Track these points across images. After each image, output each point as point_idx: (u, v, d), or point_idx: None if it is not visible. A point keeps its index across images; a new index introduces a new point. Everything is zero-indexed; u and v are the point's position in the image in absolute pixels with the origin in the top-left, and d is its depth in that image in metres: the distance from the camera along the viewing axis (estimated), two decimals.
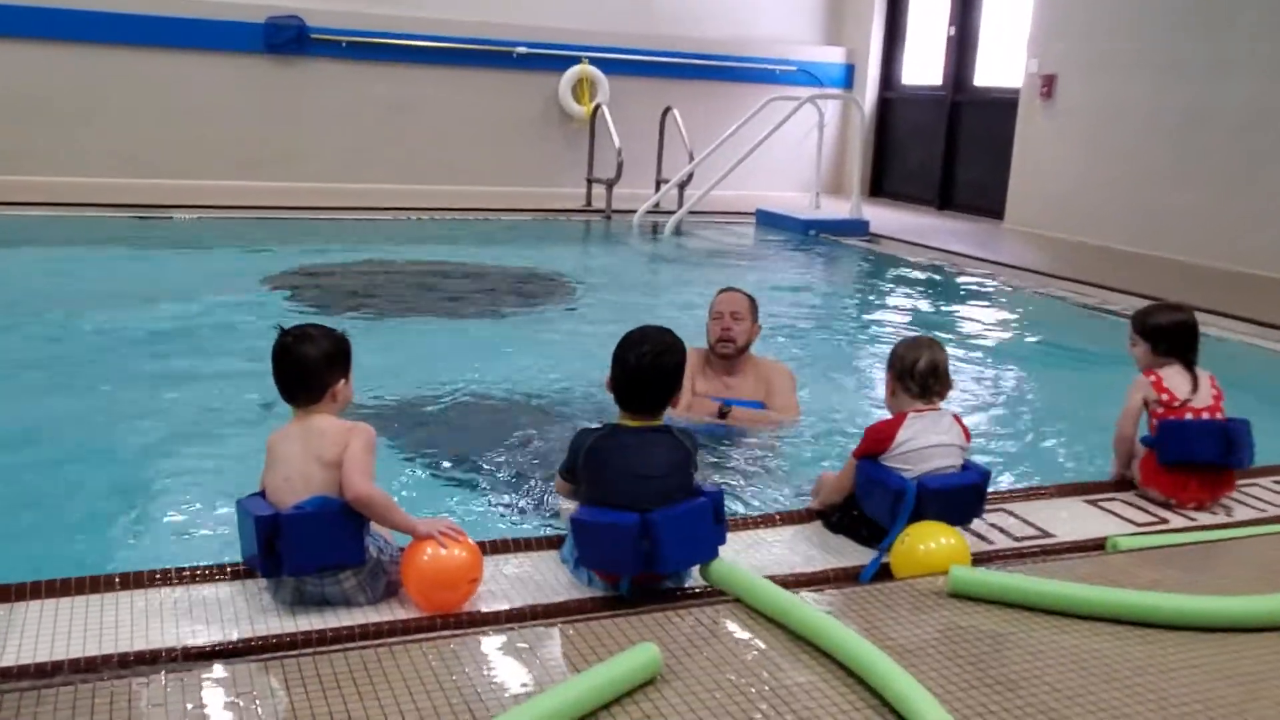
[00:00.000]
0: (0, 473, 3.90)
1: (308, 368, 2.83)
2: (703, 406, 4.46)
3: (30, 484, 3.83)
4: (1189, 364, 3.83)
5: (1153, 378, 3.80)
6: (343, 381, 2.89)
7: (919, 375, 3.38)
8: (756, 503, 3.86)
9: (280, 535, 2.67)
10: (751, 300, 4.61)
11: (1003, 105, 11.93)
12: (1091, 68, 10.68)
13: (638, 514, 2.81)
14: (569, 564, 3.04)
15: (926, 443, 3.29)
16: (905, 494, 3.19)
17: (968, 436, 3.40)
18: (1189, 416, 3.74)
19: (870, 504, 3.32)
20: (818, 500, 3.55)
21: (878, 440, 3.32)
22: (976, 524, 3.50)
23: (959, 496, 3.27)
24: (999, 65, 12.36)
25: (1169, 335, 3.84)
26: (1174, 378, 3.80)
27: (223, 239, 9.03)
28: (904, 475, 3.24)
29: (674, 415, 3.89)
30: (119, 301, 6.53)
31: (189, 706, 2.21)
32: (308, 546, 2.68)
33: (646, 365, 2.99)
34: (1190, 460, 3.71)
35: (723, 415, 4.42)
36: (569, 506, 3.12)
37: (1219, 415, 3.76)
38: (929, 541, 3.08)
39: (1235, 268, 9.18)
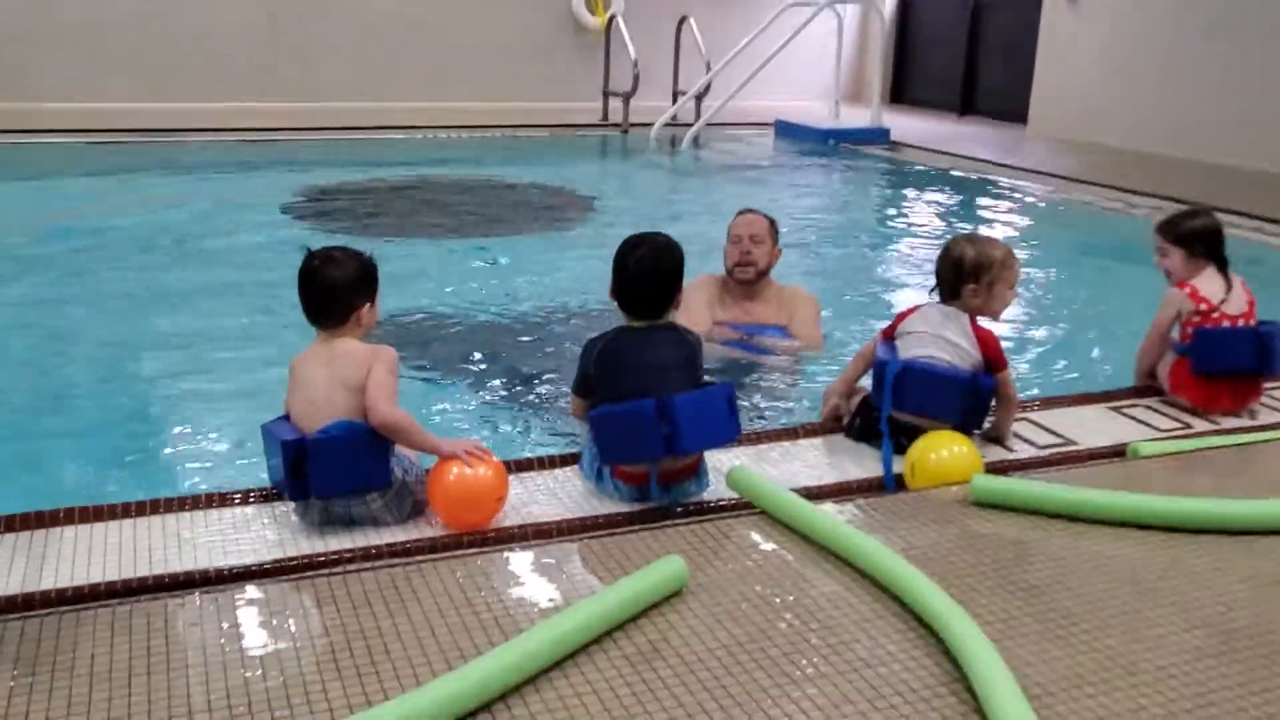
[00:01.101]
0: (31, 401, 3.95)
1: (333, 290, 2.82)
2: (722, 335, 4.31)
3: (59, 411, 3.88)
4: (1222, 266, 3.77)
5: (1187, 289, 3.73)
6: (368, 305, 2.88)
7: (936, 273, 3.45)
8: (781, 420, 3.86)
9: (306, 459, 2.70)
10: (771, 222, 4.40)
11: (1026, 6, 11.64)
12: None
13: (654, 399, 2.87)
14: (591, 477, 3.07)
15: (913, 329, 3.37)
16: (885, 368, 3.29)
17: (989, 348, 3.33)
18: (1225, 324, 3.69)
19: (873, 386, 3.40)
20: (827, 405, 3.54)
21: (892, 324, 3.47)
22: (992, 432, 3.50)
23: (940, 387, 3.24)
24: None
25: (1204, 238, 3.77)
26: (1209, 283, 3.73)
27: (238, 162, 8.99)
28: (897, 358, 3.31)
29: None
30: (140, 228, 6.54)
31: (224, 626, 2.26)
32: (334, 470, 2.71)
33: (646, 269, 3.02)
34: (1225, 369, 3.67)
35: (746, 341, 4.28)
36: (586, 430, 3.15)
37: (1252, 321, 3.71)
38: (940, 450, 3.08)
39: (1263, 167, 9.01)
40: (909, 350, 3.33)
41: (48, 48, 10.55)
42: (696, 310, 4.24)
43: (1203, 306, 3.70)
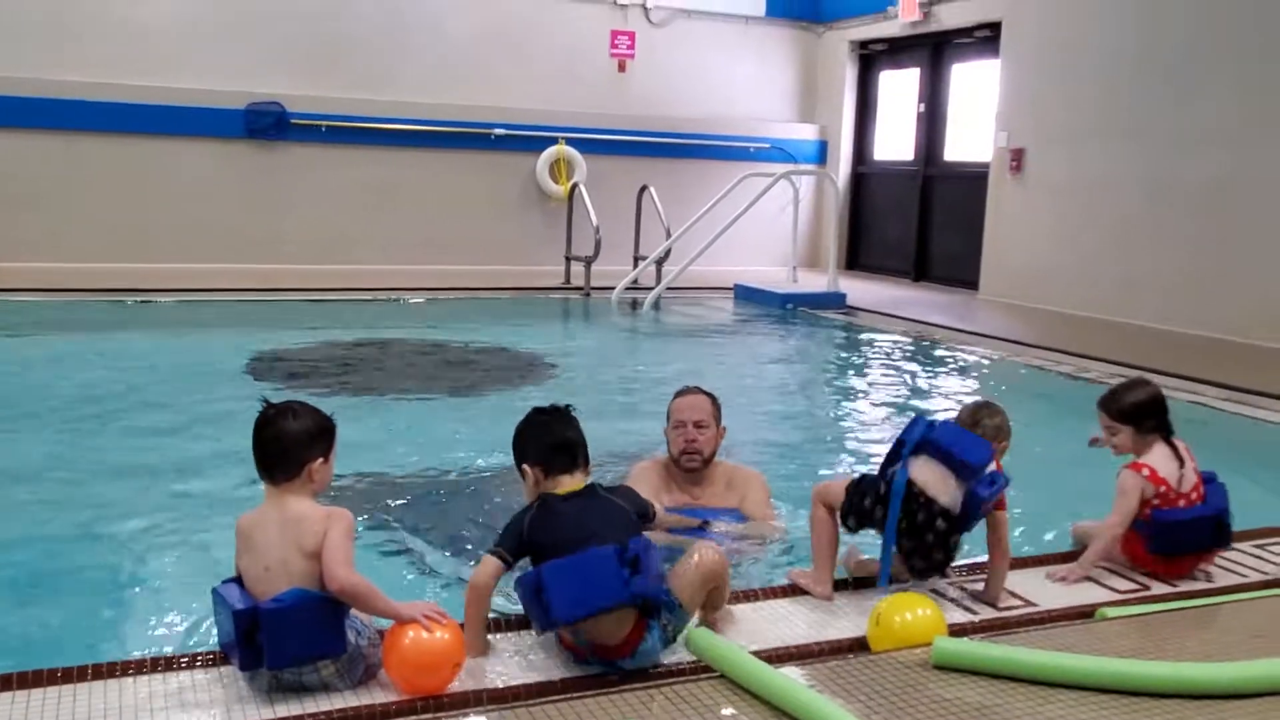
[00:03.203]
0: None
1: (285, 442, 2.77)
2: (680, 522, 4.00)
3: (4, 572, 3.77)
4: (1169, 437, 3.76)
5: (1146, 471, 3.68)
6: (320, 461, 2.82)
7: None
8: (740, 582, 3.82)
9: (260, 629, 2.62)
10: (714, 401, 4.21)
11: (974, 178, 12.15)
12: (1059, 140, 10.90)
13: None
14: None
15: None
16: (916, 423, 3.41)
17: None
18: (1181, 504, 3.67)
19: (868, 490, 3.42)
20: (821, 504, 3.47)
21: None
22: (960, 595, 3.49)
23: (957, 465, 3.33)
24: (969, 139, 12.61)
25: (1150, 410, 3.75)
26: (1164, 463, 3.69)
27: (205, 322, 9.04)
28: None
29: (649, 535, 3.87)
30: (99, 385, 6.51)
31: None
32: (288, 640, 2.63)
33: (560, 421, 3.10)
34: (1185, 553, 3.69)
35: (703, 527, 4.01)
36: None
37: (1202, 486, 3.72)
38: (904, 613, 3.07)
39: (1205, 333, 9.30)
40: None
41: (18, 207, 10.69)
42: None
43: (1163, 489, 3.66)
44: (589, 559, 2.82)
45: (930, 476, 3.33)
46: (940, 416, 3.54)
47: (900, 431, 3.50)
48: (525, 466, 3.08)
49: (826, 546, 3.44)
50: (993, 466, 3.40)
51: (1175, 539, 3.67)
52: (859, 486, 3.40)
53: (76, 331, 8.21)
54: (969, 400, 3.74)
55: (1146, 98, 9.99)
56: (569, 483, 3.04)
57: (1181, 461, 3.72)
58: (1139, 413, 3.75)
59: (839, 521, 3.42)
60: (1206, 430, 4.51)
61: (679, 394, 4.26)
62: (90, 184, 10.99)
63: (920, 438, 3.40)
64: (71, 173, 10.94)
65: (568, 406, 3.20)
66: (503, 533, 2.98)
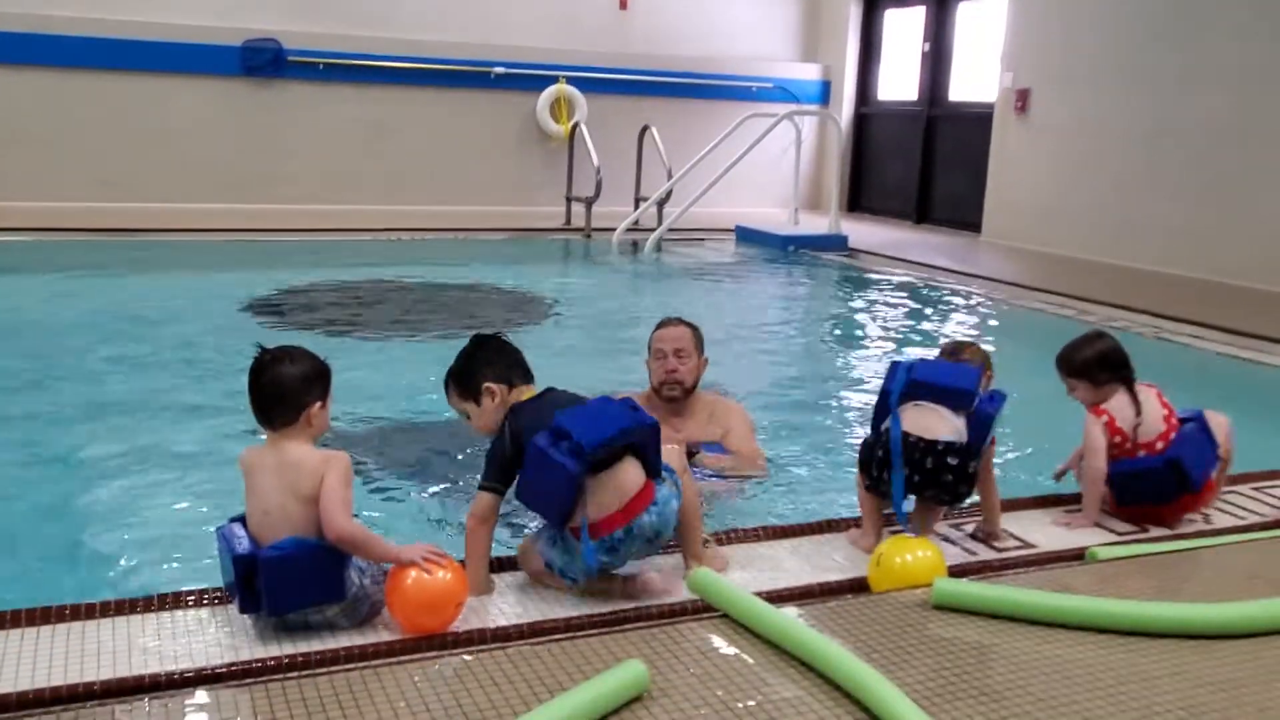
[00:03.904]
0: None
1: (283, 387, 2.76)
2: (668, 453, 4.13)
3: (7, 510, 3.80)
4: (1130, 386, 3.71)
5: (1104, 417, 3.65)
6: (319, 405, 2.81)
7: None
8: (731, 519, 3.84)
9: (258, 575, 2.64)
10: (696, 331, 4.20)
11: (978, 119, 12.03)
12: (1065, 81, 10.79)
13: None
14: (555, 558, 2.96)
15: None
16: (895, 370, 3.41)
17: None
18: (1142, 454, 3.62)
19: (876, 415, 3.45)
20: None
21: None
22: (958, 536, 3.52)
23: (949, 394, 3.33)
24: (974, 80, 12.48)
25: (1103, 363, 3.71)
26: (1121, 410, 3.66)
27: (202, 262, 9.01)
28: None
29: None
30: (96, 326, 6.50)
31: None
32: (287, 587, 2.64)
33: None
34: (1145, 503, 3.65)
35: (691, 456, 3.92)
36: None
37: (1172, 434, 3.64)
38: (905, 554, 3.09)
39: (1209, 277, 9.27)
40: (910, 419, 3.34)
41: (10, 145, 10.60)
42: None
43: (1117, 439, 3.63)
44: (593, 404, 3.00)
45: (925, 421, 3.31)
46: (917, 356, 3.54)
47: (884, 382, 3.47)
48: (487, 386, 3.07)
49: (868, 503, 3.43)
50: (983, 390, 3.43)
51: (1130, 490, 3.63)
52: (866, 442, 3.42)
53: (70, 271, 8.18)
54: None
55: (1154, 38, 9.87)
56: (529, 391, 3.12)
57: (1139, 410, 3.65)
58: (1090, 367, 3.71)
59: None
60: (1206, 374, 4.53)
61: (659, 325, 4.26)
62: (83, 122, 10.87)
63: (904, 384, 3.37)
64: (63, 110, 10.81)
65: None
66: (487, 465, 3.01)
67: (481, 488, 2.98)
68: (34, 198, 10.52)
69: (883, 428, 3.36)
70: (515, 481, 2.98)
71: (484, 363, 3.14)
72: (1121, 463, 3.64)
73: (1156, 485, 3.61)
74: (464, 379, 3.13)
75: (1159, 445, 3.63)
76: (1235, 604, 2.86)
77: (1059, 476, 3.94)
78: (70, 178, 10.83)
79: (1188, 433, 3.68)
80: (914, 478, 3.28)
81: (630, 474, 2.93)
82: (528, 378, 3.15)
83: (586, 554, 2.87)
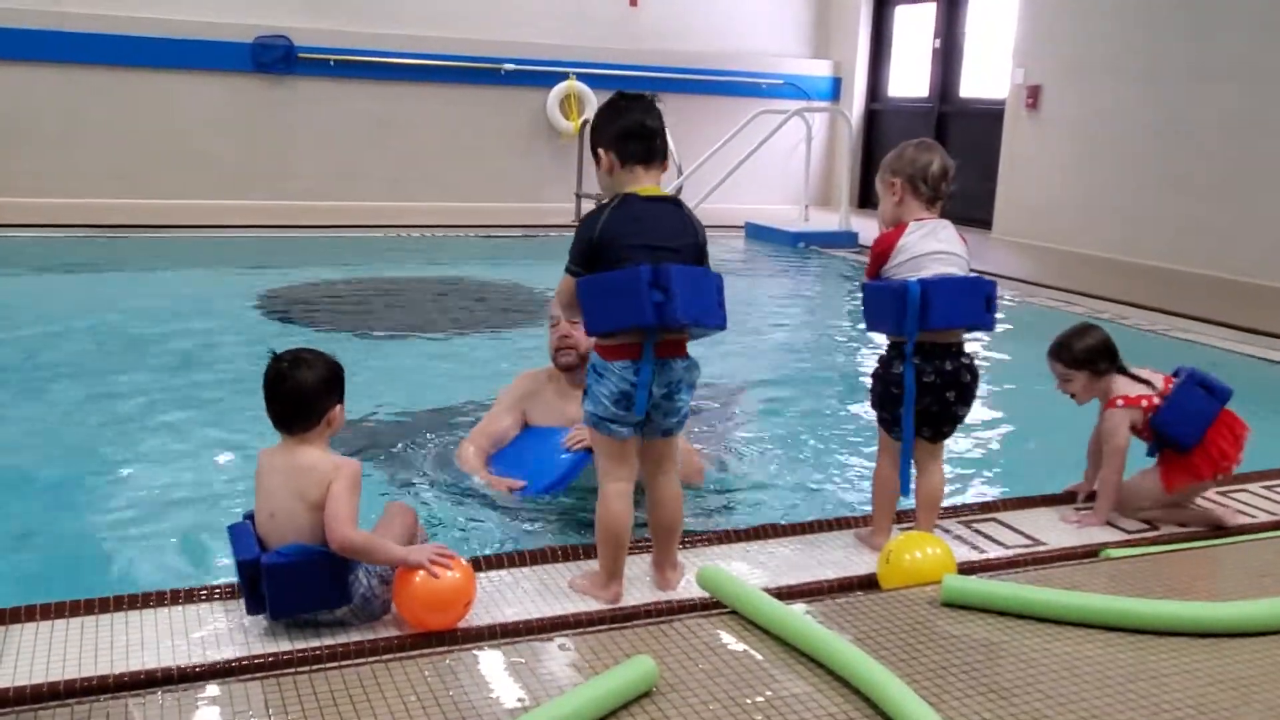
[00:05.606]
0: None
1: (303, 395, 2.74)
2: (497, 485, 3.76)
3: (23, 506, 3.82)
4: (1126, 371, 3.72)
5: (1121, 400, 3.65)
6: (338, 407, 2.82)
7: (932, 179, 3.34)
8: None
9: (261, 580, 2.65)
10: None
11: (989, 116, 12.00)
12: (1076, 77, 10.75)
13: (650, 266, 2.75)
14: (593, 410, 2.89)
15: (927, 249, 3.22)
16: (907, 291, 3.11)
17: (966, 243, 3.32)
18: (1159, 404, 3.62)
19: (877, 318, 3.27)
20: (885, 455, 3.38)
21: (881, 252, 3.26)
22: (968, 534, 3.52)
23: (964, 298, 3.18)
24: (985, 76, 12.44)
25: (1104, 353, 3.71)
26: (1130, 386, 3.66)
27: (212, 258, 9.03)
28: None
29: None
30: (107, 323, 6.53)
31: None
32: (289, 593, 2.65)
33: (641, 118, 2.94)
34: (1185, 432, 3.57)
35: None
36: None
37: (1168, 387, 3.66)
38: (915, 551, 3.10)
39: (1220, 273, 9.24)
40: (928, 268, 3.19)
41: (21, 141, 10.64)
42: (494, 413, 3.91)
43: (1144, 405, 3.62)
44: (619, 277, 2.77)
45: (946, 247, 3.23)
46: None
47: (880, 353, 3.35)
48: (600, 151, 2.94)
49: (881, 501, 3.40)
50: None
51: (1185, 415, 3.57)
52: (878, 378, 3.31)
53: (80, 268, 8.22)
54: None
55: (1165, 34, 9.83)
56: (646, 178, 2.91)
57: (1143, 381, 3.68)
58: (1092, 357, 3.71)
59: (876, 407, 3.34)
60: (1217, 371, 4.48)
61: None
62: (94, 119, 10.91)
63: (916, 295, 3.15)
64: (74, 107, 10.85)
65: (654, 96, 3.01)
66: (574, 245, 2.90)
67: (567, 271, 2.94)
68: (45, 194, 10.56)
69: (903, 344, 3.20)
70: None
71: (603, 121, 2.94)
72: (1160, 412, 3.59)
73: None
74: (593, 130, 2.99)
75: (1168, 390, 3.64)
76: (1245, 602, 2.86)
77: (1079, 498, 3.86)
78: (81, 174, 10.87)
79: (1183, 385, 3.67)
80: (933, 408, 3.20)
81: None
82: (647, 156, 2.90)
83: (645, 369, 2.80)
